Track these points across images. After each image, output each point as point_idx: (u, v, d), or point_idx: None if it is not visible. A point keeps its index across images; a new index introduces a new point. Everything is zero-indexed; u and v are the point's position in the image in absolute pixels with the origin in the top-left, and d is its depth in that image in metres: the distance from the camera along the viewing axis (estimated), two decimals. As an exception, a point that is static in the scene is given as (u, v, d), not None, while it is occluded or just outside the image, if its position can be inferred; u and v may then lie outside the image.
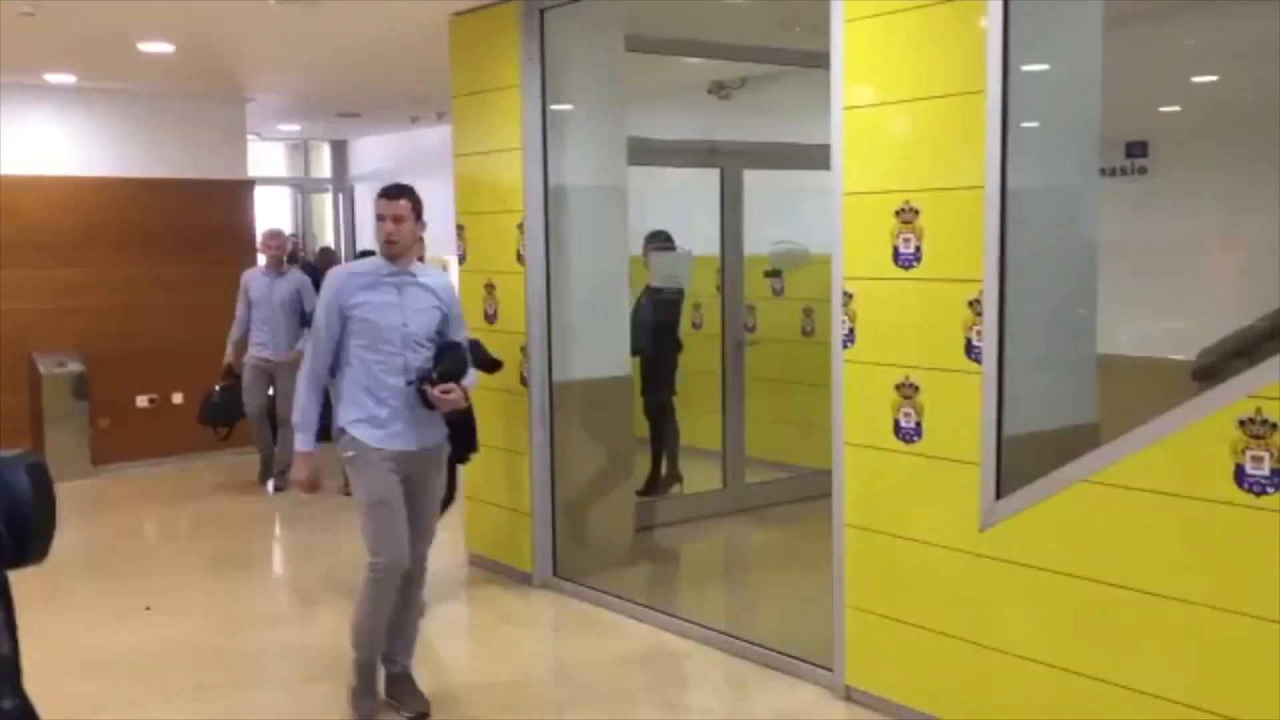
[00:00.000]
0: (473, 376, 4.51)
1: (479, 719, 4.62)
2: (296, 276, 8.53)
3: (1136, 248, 6.00)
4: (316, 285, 8.20)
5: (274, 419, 8.43)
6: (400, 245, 4.29)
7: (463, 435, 5.00)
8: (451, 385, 4.24)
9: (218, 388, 8.43)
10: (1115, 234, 5.00)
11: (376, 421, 4.26)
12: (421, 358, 4.29)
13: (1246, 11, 5.98)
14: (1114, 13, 4.10)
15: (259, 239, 8.78)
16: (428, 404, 4.24)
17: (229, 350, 8.42)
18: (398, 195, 4.30)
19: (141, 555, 7.30)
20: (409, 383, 4.24)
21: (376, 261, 4.38)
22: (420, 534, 4.41)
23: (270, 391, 8.44)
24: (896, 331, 4.24)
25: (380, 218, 4.27)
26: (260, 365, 8.31)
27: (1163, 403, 3.52)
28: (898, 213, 4.15)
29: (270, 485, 8.49)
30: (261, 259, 8.64)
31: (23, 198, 8.69)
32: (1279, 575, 3.19)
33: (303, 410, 4.31)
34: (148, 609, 5.83)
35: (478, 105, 6.23)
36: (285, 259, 8.74)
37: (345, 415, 4.30)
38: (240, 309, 8.34)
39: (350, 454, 4.29)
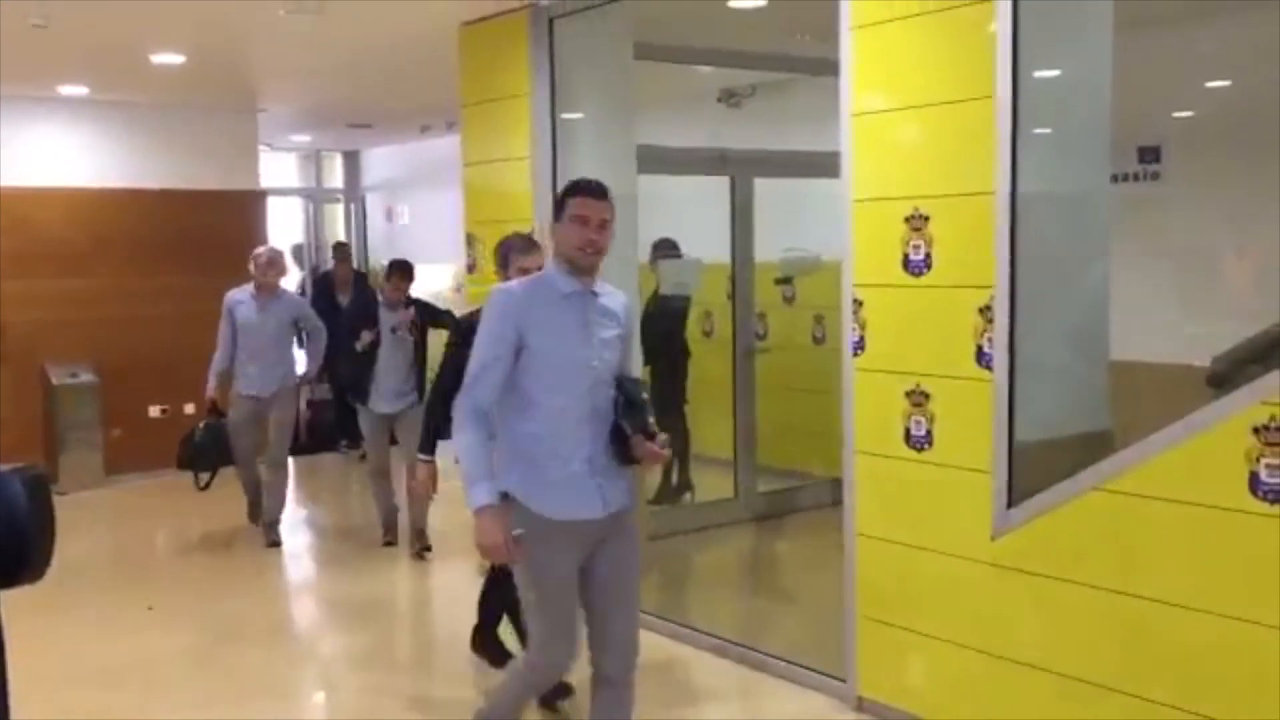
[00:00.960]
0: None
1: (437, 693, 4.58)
2: (291, 301, 7.53)
3: (1150, 253, 5.96)
4: (326, 299, 7.55)
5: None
6: (603, 257, 3.43)
7: None
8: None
9: (200, 426, 7.26)
10: (1128, 239, 4.96)
11: (550, 483, 3.37)
12: (606, 400, 3.41)
13: (1260, 16, 5.94)
14: (1126, 17, 4.07)
15: (253, 261, 7.17)
16: (629, 459, 3.40)
17: (210, 383, 7.17)
18: (604, 194, 3.40)
19: (153, 565, 7.30)
20: (619, 434, 3.37)
21: (552, 274, 3.45)
22: (618, 618, 3.49)
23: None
24: (907, 339, 4.21)
25: (580, 219, 3.35)
26: (249, 403, 7.18)
27: (1177, 409, 3.48)
28: (908, 219, 4.13)
29: (264, 536, 7.30)
30: (250, 284, 7.20)
31: (35, 209, 8.74)
32: (1295, 584, 3.16)
33: (472, 456, 3.29)
34: (150, 609, 5.87)
35: (487, 114, 6.23)
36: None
37: (508, 476, 3.37)
38: (224, 334, 7.14)
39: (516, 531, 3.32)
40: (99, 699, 4.84)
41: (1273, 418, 3.15)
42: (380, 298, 6.87)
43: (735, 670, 5.02)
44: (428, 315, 6.86)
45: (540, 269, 3.81)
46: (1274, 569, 3.18)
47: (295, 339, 7.52)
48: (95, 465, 8.89)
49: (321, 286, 10.53)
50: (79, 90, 8.61)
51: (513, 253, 4.33)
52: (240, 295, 7.17)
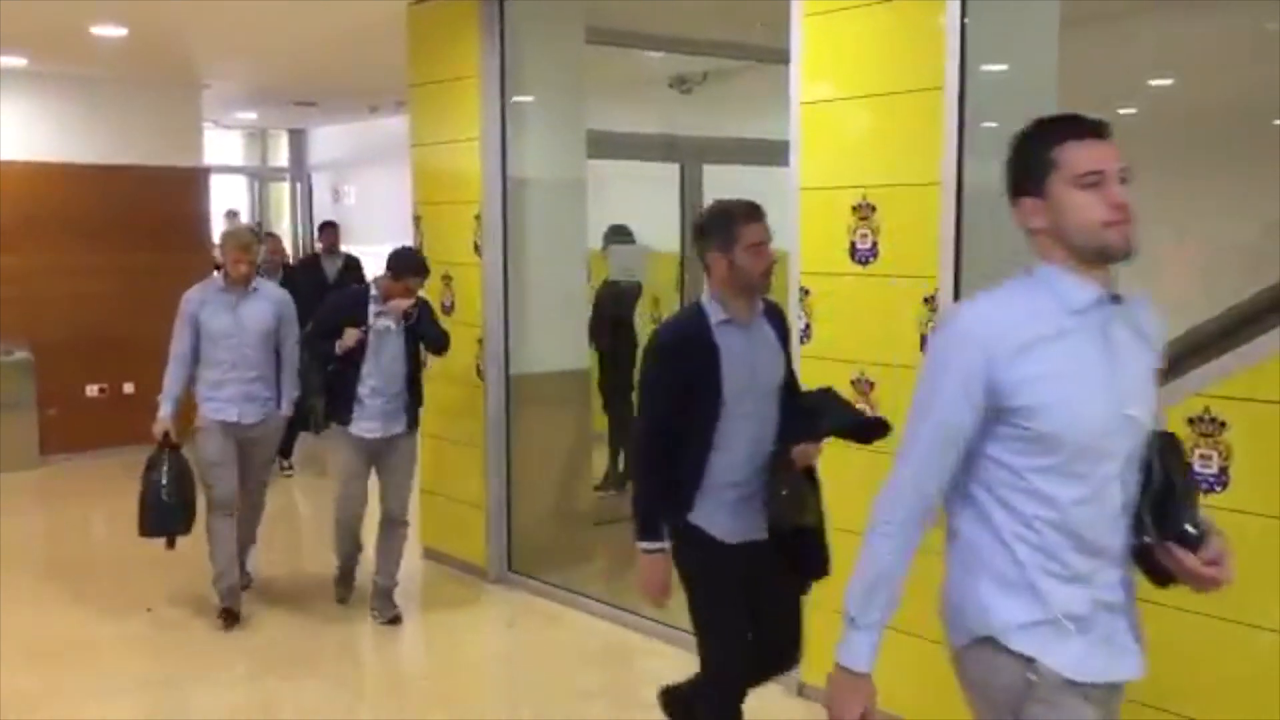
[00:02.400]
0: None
1: (430, 717, 4.57)
2: (273, 293, 5.58)
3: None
4: (300, 295, 5.87)
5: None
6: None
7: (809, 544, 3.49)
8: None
9: (162, 480, 5.23)
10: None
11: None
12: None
13: (1202, 15, 6.04)
14: (1071, 14, 4.12)
15: (220, 240, 5.76)
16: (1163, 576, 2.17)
17: (164, 410, 5.26)
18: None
19: (88, 547, 7.18)
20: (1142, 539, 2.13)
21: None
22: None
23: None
24: (853, 327, 4.24)
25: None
26: (223, 433, 5.32)
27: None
28: (855, 208, 4.15)
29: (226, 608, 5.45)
30: (213, 278, 5.61)
31: (-30, 182, 8.52)
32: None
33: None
34: (149, 610, 5.66)
35: (436, 95, 6.17)
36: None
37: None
38: (180, 347, 5.33)
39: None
40: (31, 681, 4.75)
41: (1206, 409, 3.21)
42: (374, 291, 5.31)
43: (680, 655, 5.01)
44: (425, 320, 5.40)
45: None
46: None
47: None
48: (30, 445, 8.72)
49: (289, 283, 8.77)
50: (17, 61, 8.40)
51: (736, 222, 3.29)
52: (203, 294, 5.40)
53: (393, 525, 5.45)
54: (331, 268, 8.62)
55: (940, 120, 3.85)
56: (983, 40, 3.86)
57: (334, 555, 5.66)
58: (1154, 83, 6.76)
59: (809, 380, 4.37)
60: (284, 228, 14.06)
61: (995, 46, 4.02)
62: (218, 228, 9.63)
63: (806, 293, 4.36)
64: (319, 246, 9.02)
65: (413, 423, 5.39)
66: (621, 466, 7.54)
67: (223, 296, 5.36)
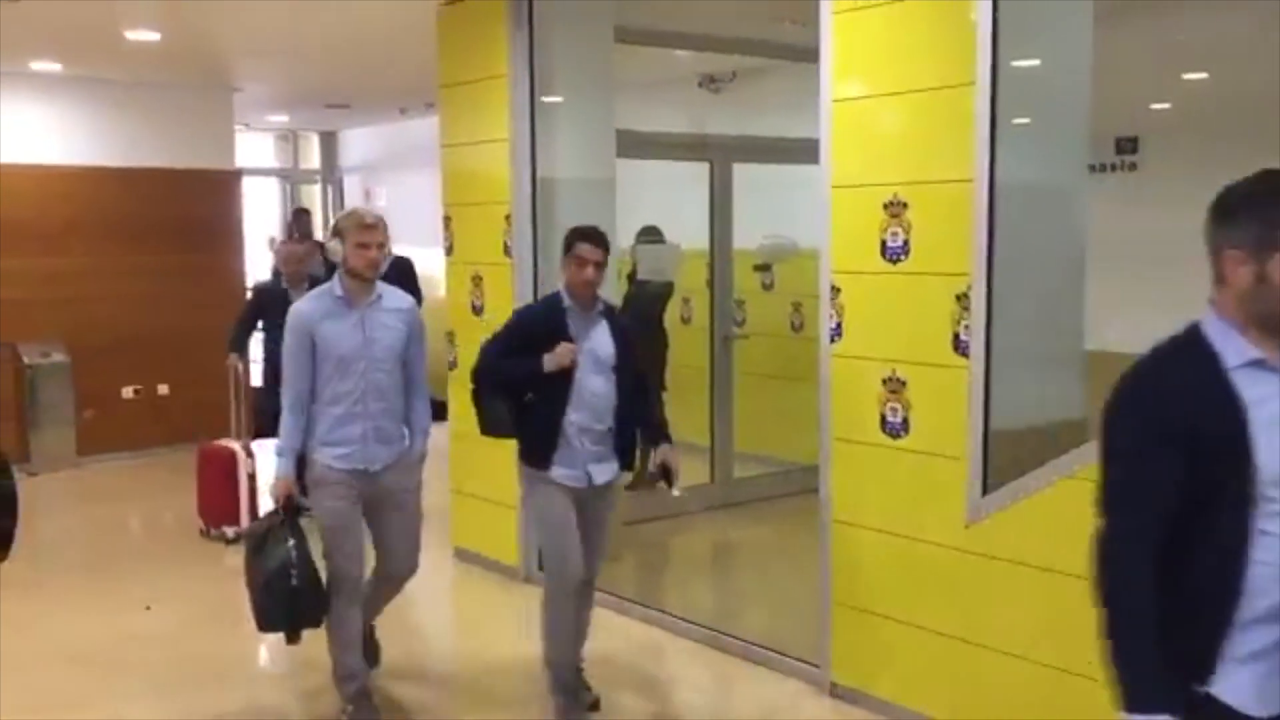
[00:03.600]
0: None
1: (460, 716, 4.58)
2: (403, 304, 4.34)
3: (1126, 243, 5.99)
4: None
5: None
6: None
7: None
8: None
9: (291, 557, 4.01)
10: (1106, 230, 4.99)
11: None
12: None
13: (1236, 9, 5.96)
14: (1104, 8, 4.08)
15: (333, 227, 4.36)
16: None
17: (284, 469, 4.11)
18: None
19: (125, 548, 7.24)
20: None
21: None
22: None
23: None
24: (884, 326, 4.21)
25: None
26: (349, 483, 4.14)
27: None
28: (886, 206, 4.13)
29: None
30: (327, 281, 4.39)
31: (7, 186, 8.62)
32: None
33: None
34: (148, 609, 5.72)
35: (465, 96, 6.19)
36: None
37: None
38: (301, 384, 4.12)
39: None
40: (70, 680, 4.80)
41: None
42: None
43: (710, 655, 5.03)
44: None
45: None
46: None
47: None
48: (68, 446, 8.82)
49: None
50: (52, 67, 8.50)
51: None
52: (316, 304, 4.17)
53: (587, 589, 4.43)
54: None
55: (972, 116, 3.82)
56: (1016, 35, 3.82)
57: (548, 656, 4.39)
58: (1188, 77, 6.68)
59: (842, 381, 4.36)
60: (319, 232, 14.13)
61: (1028, 42, 3.99)
62: (256, 230, 9.55)
63: (837, 291, 4.34)
64: None
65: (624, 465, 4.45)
66: (651, 466, 7.52)
67: (340, 304, 4.13)
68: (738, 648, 4.97)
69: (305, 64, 8.81)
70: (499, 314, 5.98)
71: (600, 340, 4.24)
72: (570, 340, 4.14)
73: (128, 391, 9.28)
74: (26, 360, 8.72)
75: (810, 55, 4.46)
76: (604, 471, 4.28)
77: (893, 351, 4.17)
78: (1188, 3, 6.13)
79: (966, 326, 3.89)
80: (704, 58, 7.91)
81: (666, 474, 4.26)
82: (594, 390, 4.18)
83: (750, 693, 4.72)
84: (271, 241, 11.48)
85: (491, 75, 5.95)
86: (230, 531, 6.74)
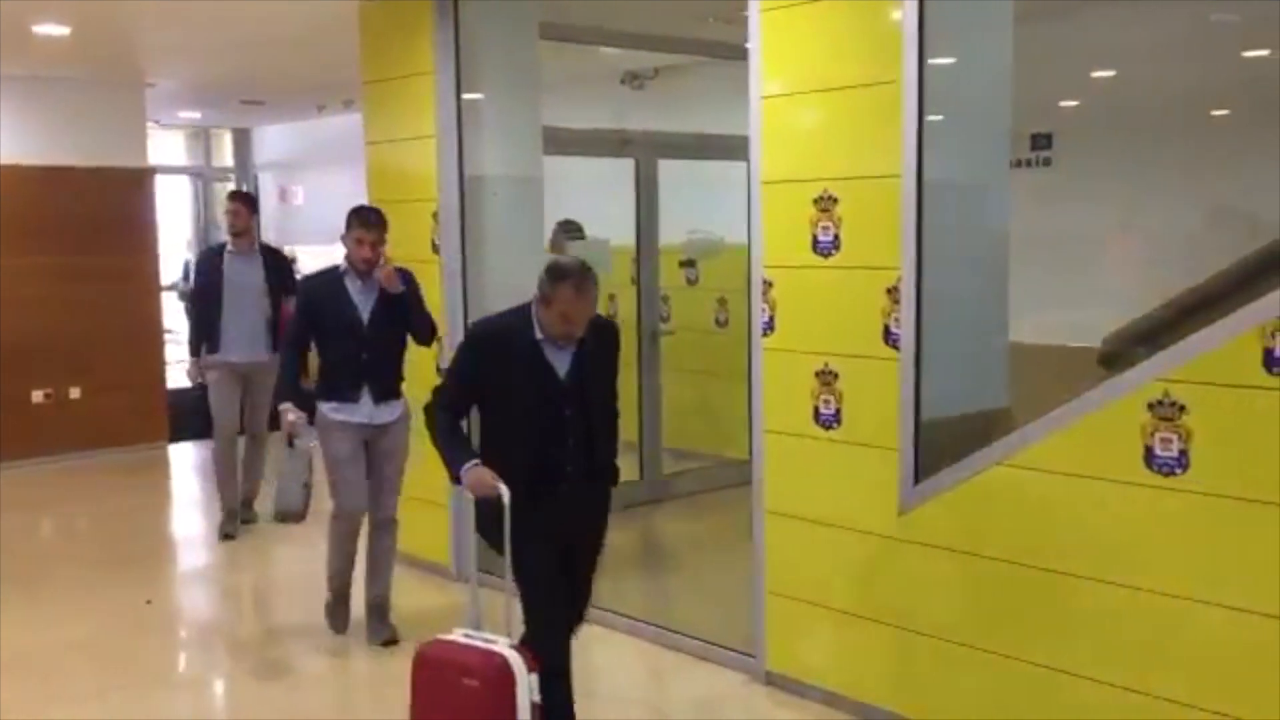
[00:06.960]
0: None
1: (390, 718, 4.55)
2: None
3: (1042, 238, 6.16)
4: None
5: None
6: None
7: None
8: None
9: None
10: (1022, 224, 5.13)
11: None
12: None
13: (1143, 10, 6.16)
14: (1019, 8, 4.20)
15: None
16: None
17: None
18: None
19: (38, 555, 7.03)
20: None
21: None
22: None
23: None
24: (816, 319, 4.28)
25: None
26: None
27: (1070, 389, 3.61)
28: (816, 201, 4.19)
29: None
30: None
31: (-94, 185, 8.32)
32: (1187, 554, 3.30)
33: None
34: (148, 603, 5.72)
35: (390, 92, 6.13)
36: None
37: None
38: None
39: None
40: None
41: (1165, 394, 3.28)
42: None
43: (644, 648, 5.06)
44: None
45: None
46: (1168, 539, 3.33)
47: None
48: (-26, 453, 8.55)
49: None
50: (-46, 61, 8.22)
51: None
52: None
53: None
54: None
55: (900, 113, 3.89)
56: (940, 34, 3.90)
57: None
58: (1097, 75, 6.88)
59: (774, 374, 4.42)
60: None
61: (951, 40, 4.07)
62: (169, 230, 9.38)
63: (769, 285, 4.39)
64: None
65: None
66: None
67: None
68: (673, 640, 5.00)
69: (219, 59, 8.63)
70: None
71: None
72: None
73: (38, 395, 9.00)
74: (-72, 364, 8.43)
75: (733, 53, 4.51)
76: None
77: (825, 344, 4.23)
78: (1097, 3, 6.32)
79: (897, 319, 3.97)
80: (627, 55, 7.93)
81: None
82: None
83: (687, 684, 4.75)
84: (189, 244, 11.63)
85: (416, 72, 5.90)
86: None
